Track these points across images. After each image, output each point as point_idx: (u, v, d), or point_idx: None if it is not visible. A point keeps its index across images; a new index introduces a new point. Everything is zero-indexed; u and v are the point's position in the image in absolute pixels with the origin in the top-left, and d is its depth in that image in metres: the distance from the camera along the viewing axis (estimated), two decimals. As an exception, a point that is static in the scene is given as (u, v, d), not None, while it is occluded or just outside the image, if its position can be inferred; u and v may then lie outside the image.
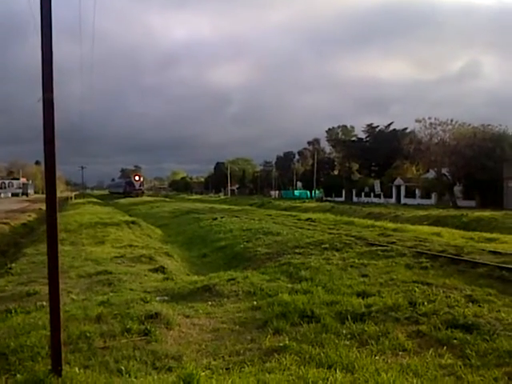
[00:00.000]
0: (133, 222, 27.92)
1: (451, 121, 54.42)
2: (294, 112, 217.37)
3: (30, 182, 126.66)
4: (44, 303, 8.19)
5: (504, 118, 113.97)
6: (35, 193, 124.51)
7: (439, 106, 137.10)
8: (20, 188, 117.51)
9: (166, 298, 9.57)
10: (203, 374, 5.51)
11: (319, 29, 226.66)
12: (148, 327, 7.16)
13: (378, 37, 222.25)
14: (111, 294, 9.51)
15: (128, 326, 7.17)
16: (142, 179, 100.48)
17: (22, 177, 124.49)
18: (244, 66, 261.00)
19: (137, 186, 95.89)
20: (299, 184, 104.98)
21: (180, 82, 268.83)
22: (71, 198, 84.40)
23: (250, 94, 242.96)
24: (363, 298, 8.73)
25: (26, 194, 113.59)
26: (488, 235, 20.01)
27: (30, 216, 41.12)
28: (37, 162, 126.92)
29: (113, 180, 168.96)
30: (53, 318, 5.64)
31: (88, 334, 6.84)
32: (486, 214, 30.48)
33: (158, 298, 9.33)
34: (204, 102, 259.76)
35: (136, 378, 5.56)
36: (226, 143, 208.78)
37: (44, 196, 5.76)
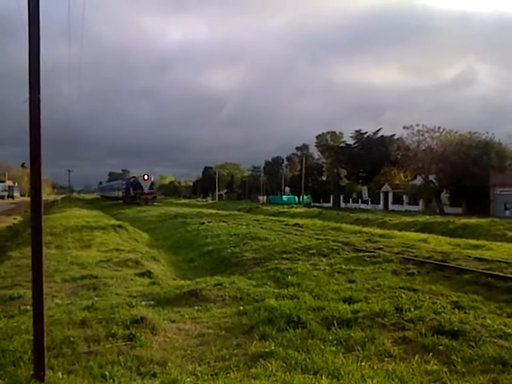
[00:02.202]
0: (119, 226, 27.71)
1: (438, 128, 55.08)
2: (286, 117, 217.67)
3: (16, 184, 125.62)
4: (28, 307, 8.07)
5: (497, 125, 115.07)
6: (21, 195, 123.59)
7: (433, 113, 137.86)
8: (6, 191, 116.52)
9: (151, 302, 9.50)
10: (188, 379, 5.47)
11: (314, 35, 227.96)
12: (133, 332, 7.09)
13: (373, 43, 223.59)
14: (96, 299, 9.41)
15: (113, 331, 7.10)
16: (152, 179, 73.23)
17: (8, 179, 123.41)
18: (238, 70, 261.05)
19: (146, 189, 68.55)
20: (287, 189, 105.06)
21: (173, 85, 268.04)
22: (57, 201, 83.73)
23: (243, 99, 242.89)
24: (350, 304, 8.73)
25: (12, 197, 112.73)
26: (474, 242, 20.13)
27: (15, 219, 40.76)
28: (23, 165, 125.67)
29: (100, 183, 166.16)
30: (36, 323, 5.56)
31: (72, 339, 6.76)
32: (473, 220, 30.72)
33: (143, 303, 9.25)
34: (196, 105, 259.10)
35: (120, 383, 5.50)
36: (216, 147, 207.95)
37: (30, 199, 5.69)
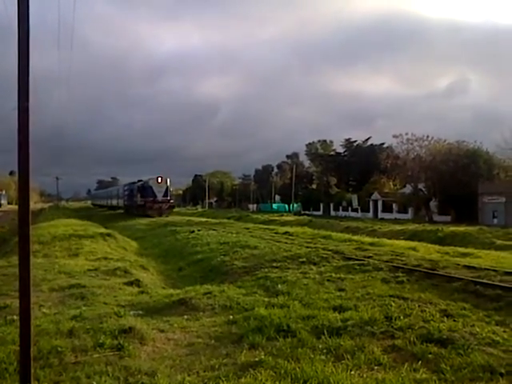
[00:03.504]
0: (108, 235, 27.57)
1: (427, 137, 55.66)
2: (279, 125, 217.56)
3: (4, 192, 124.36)
4: (15, 317, 7.97)
5: (489, 134, 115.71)
6: (8, 203, 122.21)
7: (426, 121, 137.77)
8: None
9: (140, 312, 9.42)
10: (177, 389, 5.42)
11: (309, 43, 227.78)
12: (121, 342, 7.02)
13: (367, 52, 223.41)
14: (84, 308, 9.32)
15: (101, 341, 7.03)
16: (168, 183, 56.19)
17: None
18: (232, 78, 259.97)
19: (159, 196, 53.37)
20: (277, 197, 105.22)
21: (166, 93, 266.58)
22: (45, 209, 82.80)
23: (236, 107, 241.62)
24: (339, 313, 8.72)
25: None
26: (463, 250, 20.27)
27: (2, 227, 40.42)
28: (11, 173, 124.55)
29: (89, 191, 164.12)
30: (23, 333, 5.48)
31: (59, 349, 6.68)
32: (461, 229, 30.99)
33: (132, 312, 9.17)
34: (189, 114, 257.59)
35: (108, 394, 5.43)
36: (208, 156, 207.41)
37: (17, 207, 5.64)
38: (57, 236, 24.68)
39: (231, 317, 8.89)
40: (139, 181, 59.79)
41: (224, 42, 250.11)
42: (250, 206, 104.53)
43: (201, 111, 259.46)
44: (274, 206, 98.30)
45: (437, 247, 21.57)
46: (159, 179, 54.29)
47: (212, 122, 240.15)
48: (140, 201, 53.97)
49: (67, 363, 6.30)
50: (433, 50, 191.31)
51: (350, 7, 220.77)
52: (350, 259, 15.63)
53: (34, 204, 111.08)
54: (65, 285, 11.99)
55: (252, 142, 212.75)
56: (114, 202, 74.12)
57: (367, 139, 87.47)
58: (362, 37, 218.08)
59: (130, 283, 12.82)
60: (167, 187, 54.99)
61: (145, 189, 54.31)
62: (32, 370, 5.43)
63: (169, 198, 54.77)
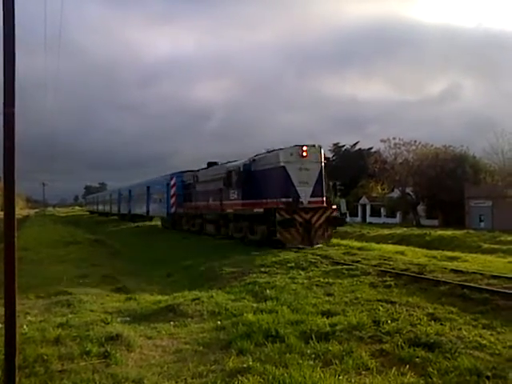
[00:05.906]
0: (96, 241, 27.40)
1: (415, 141, 55.99)
2: (271, 130, 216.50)
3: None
4: (-1, 325, 7.89)
5: (480, 139, 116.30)
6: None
7: (419, 127, 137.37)
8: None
9: (127, 318, 9.35)
10: (164, 397, 5.37)
11: (302, 48, 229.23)
12: (108, 349, 6.95)
13: (361, 57, 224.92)
14: (70, 316, 9.24)
15: (87, 349, 6.96)
16: (323, 161, 22.27)
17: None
18: (225, 83, 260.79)
19: (305, 195, 20.79)
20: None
21: (158, 98, 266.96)
22: (31, 216, 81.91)
23: (229, 112, 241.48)
24: (328, 317, 8.72)
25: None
26: (450, 254, 20.38)
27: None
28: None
29: (76, 198, 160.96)
30: (8, 341, 5.42)
31: (45, 357, 6.60)
32: (449, 232, 31.25)
33: (119, 319, 9.10)
34: (182, 119, 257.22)
35: (94, 402, 5.38)
36: (200, 160, 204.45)
37: (2, 213, 5.58)
38: (43, 242, 24.50)
39: (219, 323, 8.86)
40: (213, 163, 29.67)
41: (217, 46, 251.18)
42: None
43: (193, 116, 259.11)
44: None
45: (424, 251, 21.67)
46: (304, 151, 22.08)
47: (206, 127, 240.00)
48: (251, 206, 23.06)
49: (53, 371, 6.23)
50: (425, 55, 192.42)
51: (343, 12, 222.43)
52: (338, 264, 15.63)
53: (20, 210, 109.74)
54: (51, 292, 11.90)
55: (243, 146, 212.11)
56: (138, 209, 44.81)
57: (355, 144, 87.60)
58: (355, 41, 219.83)
59: (118, 290, 12.76)
60: (321, 170, 22.67)
61: (264, 176, 22.93)
62: (17, 379, 5.38)
63: (324, 198, 23.23)
